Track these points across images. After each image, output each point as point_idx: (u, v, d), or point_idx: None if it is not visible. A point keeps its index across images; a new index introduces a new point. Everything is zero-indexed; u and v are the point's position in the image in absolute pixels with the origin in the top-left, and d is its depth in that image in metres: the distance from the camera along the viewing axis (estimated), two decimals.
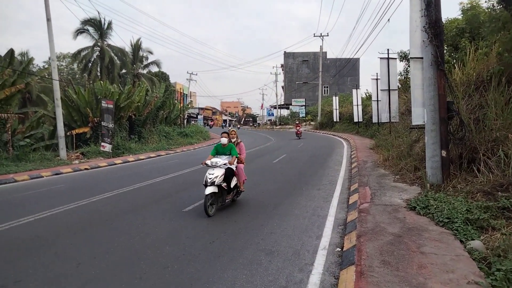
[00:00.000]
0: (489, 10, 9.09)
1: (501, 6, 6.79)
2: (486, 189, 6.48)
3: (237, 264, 4.57)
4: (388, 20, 12.70)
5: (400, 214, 6.04)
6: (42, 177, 13.09)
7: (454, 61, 11.83)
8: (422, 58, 8.03)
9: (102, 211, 7.47)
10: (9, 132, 17.55)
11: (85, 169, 15.23)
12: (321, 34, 47.43)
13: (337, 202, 7.75)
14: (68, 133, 23.08)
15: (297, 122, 36.42)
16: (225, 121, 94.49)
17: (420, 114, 8.44)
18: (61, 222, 6.71)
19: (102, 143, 20.02)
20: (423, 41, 7.76)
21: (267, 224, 6.24)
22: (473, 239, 4.78)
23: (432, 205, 6.06)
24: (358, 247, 4.59)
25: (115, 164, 16.99)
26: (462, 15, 12.94)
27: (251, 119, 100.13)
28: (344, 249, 4.85)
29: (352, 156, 15.33)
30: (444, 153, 7.82)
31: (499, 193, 6.25)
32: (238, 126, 68.88)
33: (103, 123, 19.96)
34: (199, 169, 13.67)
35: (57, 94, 18.29)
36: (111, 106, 19.85)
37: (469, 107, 8.99)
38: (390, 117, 17.53)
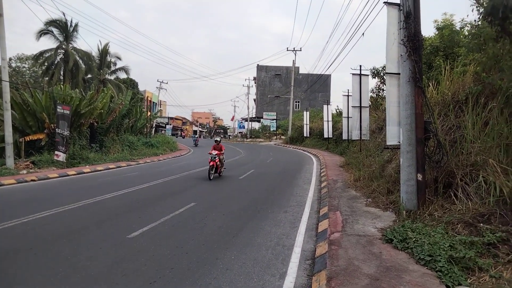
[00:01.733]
0: (472, 25, 8.79)
1: (487, 20, 6.35)
2: (467, 220, 5.89)
3: None
4: (363, 34, 12.35)
5: (375, 248, 5.31)
6: None
7: (427, 80, 11.53)
8: (399, 74, 7.50)
9: (28, 236, 6.28)
10: None
11: (32, 180, 13.72)
12: (294, 48, 47.55)
13: (305, 229, 6.96)
14: (20, 140, 21.24)
15: (217, 140, 16.39)
16: (195, 131, 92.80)
17: (395, 134, 7.87)
18: None
19: (56, 152, 18.44)
20: (401, 55, 7.23)
21: (223, 257, 5.33)
22: (460, 284, 4.10)
23: (411, 238, 5.38)
24: None
25: (68, 175, 15.53)
26: (436, 32, 12.80)
27: (222, 130, 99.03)
28: None
29: (322, 174, 14.72)
30: (420, 177, 7.25)
31: (481, 224, 5.67)
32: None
33: (57, 130, 18.41)
34: (157, 184, 12.58)
35: (6, 96, 16.66)
36: (67, 112, 18.37)
37: (445, 128, 8.56)
38: (360, 134, 17.16)
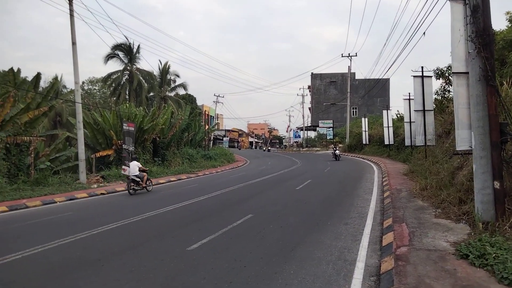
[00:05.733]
0: None
1: None
2: None
3: None
4: (424, 33, 11.60)
5: (448, 264, 4.82)
6: (55, 202, 12.60)
7: (500, 78, 10.50)
8: (467, 73, 6.89)
9: (97, 247, 6.65)
10: (32, 155, 17.46)
11: (101, 194, 14.70)
12: (349, 54, 46.43)
13: (368, 242, 6.57)
14: (91, 156, 23.01)
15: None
16: (251, 143, 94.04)
17: (465, 138, 7.20)
18: (45, 262, 5.90)
19: (123, 166, 19.62)
20: (469, 52, 6.64)
21: (282, 271, 5.18)
22: None
23: (490, 254, 4.81)
24: None
25: None
26: (509, 25, 11.66)
27: (277, 141, 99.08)
28: None
29: (384, 183, 13.97)
30: (497, 185, 6.53)
31: None
32: (269, 148, 67.60)
33: (124, 146, 19.65)
34: (216, 196, 12.79)
35: (79, 116, 18.17)
36: (132, 128, 19.56)
37: None
38: (425, 139, 16.10)
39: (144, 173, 15.20)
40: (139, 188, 14.72)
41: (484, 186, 6.60)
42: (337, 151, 31.39)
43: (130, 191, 14.33)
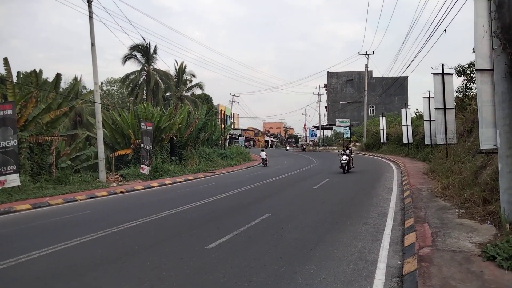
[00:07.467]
0: None
1: None
2: None
3: None
4: (445, 30, 11.31)
5: (474, 266, 4.68)
6: (77, 200, 12.86)
7: None
8: (491, 69, 6.68)
9: (118, 245, 6.74)
10: (54, 154, 17.87)
11: (121, 192, 14.92)
12: (366, 52, 45.85)
13: (389, 242, 6.44)
14: (110, 155, 23.42)
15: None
16: (267, 141, 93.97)
17: (490, 136, 6.99)
18: (68, 259, 6.01)
19: (142, 165, 19.91)
20: (494, 49, 6.44)
21: (302, 271, 5.13)
22: None
23: None
24: None
25: (151, 187, 16.62)
26: None
27: (293, 140, 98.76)
28: None
29: (404, 183, 13.72)
30: None
31: None
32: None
33: (142, 145, 19.90)
34: (233, 195, 12.82)
35: (99, 116, 18.51)
36: (150, 128, 19.79)
37: None
38: (446, 138, 15.73)
39: (266, 157, 29.87)
40: (266, 164, 29.20)
41: (510, 186, 6.38)
42: (344, 158, 19.29)
43: (263, 165, 28.95)
